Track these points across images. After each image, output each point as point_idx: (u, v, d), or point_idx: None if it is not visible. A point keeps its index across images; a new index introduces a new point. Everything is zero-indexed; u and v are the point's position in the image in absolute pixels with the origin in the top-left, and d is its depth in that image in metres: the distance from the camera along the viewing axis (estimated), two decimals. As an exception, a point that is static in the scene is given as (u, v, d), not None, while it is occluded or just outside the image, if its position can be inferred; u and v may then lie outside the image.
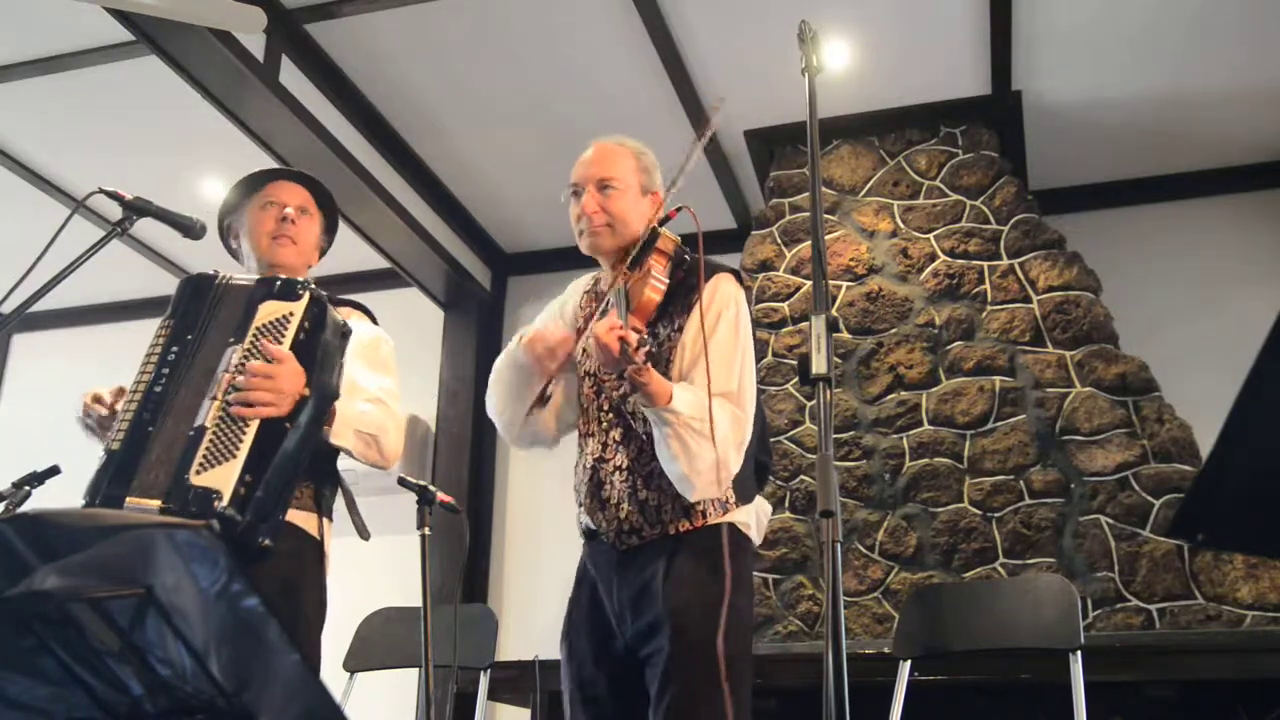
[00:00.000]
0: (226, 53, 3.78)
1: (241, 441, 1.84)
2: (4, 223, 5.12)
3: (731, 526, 2.01)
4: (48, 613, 0.97)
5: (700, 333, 1.99)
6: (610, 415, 2.09)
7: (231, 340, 1.93)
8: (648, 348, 1.95)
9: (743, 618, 1.97)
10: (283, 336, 1.94)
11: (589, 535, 2.14)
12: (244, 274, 2.14)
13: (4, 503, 2.00)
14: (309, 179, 2.38)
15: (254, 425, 1.86)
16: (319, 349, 1.97)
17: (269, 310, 1.96)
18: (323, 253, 2.43)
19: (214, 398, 1.88)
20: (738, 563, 1.98)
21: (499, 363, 2.21)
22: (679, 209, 2.09)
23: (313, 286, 2.01)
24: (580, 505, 2.12)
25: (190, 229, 2.12)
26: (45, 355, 6.19)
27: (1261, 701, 3.32)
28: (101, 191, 2.00)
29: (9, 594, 0.95)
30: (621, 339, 1.85)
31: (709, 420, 1.90)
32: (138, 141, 4.66)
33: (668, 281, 2.04)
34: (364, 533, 2.23)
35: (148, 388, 1.92)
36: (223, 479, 1.79)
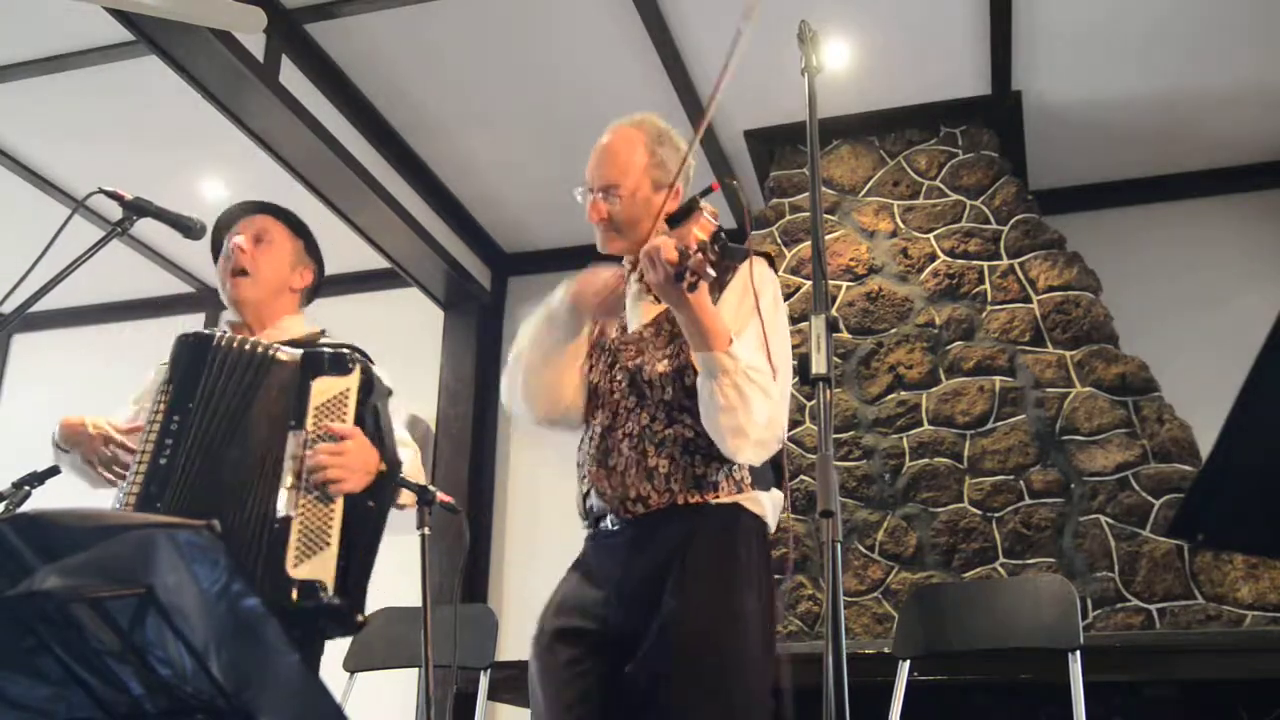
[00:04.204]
0: (226, 53, 3.78)
1: (331, 528, 1.84)
2: (4, 223, 5.12)
3: (753, 517, 1.93)
4: (48, 613, 0.96)
5: (749, 298, 1.89)
6: (624, 385, 2.00)
7: (292, 424, 1.91)
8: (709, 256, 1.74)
9: (763, 621, 1.88)
10: (344, 414, 1.93)
11: (594, 523, 2.03)
12: (278, 342, 2.07)
13: (4, 503, 2.00)
14: (272, 208, 2.30)
15: (339, 510, 1.86)
16: (379, 420, 1.97)
17: (324, 388, 1.94)
18: (313, 286, 2.33)
19: (290, 486, 1.86)
20: (758, 558, 1.90)
21: (526, 335, 2.08)
22: (720, 182, 2.02)
23: (359, 357, 1.99)
24: (585, 478, 2.02)
25: (190, 229, 2.11)
26: (45, 355, 6.19)
27: (1261, 701, 3.32)
28: (101, 191, 2.00)
29: (9, 594, 0.95)
30: (684, 245, 1.68)
31: (769, 373, 1.82)
32: (138, 141, 4.66)
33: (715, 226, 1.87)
34: None
35: (152, 460, 1.89)
36: (323, 569, 1.80)
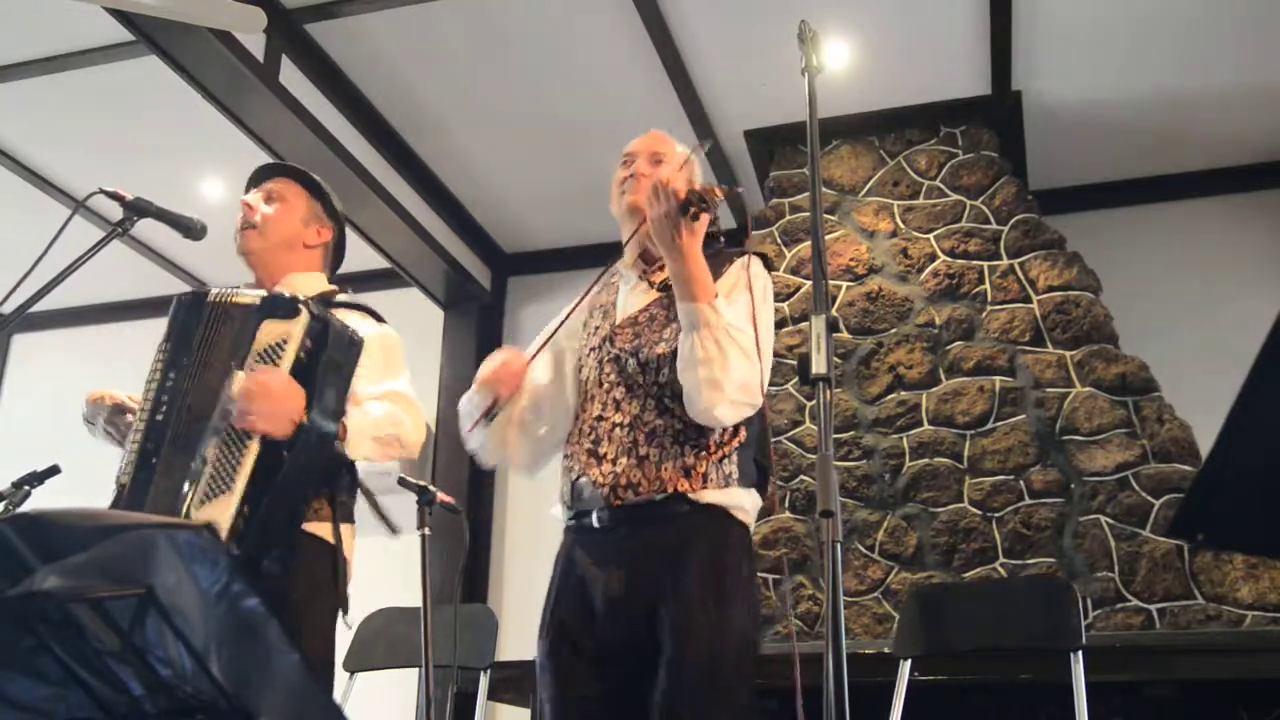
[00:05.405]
0: (226, 53, 3.78)
1: (238, 472, 1.81)
2: (4, 223, 5.12)
3: (740, 527, 1.95)
4: (48, 613, 0.96)
5: (744, 280, 1.94)
6: (613, 376, 2.02)
7: (234, 365, 1.91)
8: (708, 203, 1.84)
9: (751, 631, 1.93)
10: (280, 358, 1.90)
11: (578, 514, 2.07)
12: (244, 289, 2.11)
13: (4, 503, 2.00)
14: (290, 169, 2.36)
15: (251, 454, 1.83)
16: (320, 368, 1.92)
17: (268, 331, 1.93)
18: (334, 245, 2.36)
19: (215, 427, 1.86)
20: (746, 572, 1.94)
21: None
22: (725, 188, 2.08)
23: (310, 303, 1.96)
24: (573, 468, 2.05)
25: (190, 229, 2.12)
26: (45, 355, 6.19)
27: (1261, 701, 3.32)
28: (102, 192, 2.00)
29: (9, 594, 0.95)
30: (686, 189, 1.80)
31: (753, 337, 1.85)
32: (138, 141, 4.66)
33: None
34: (392, 528, 2.21)
35: (149, 417, 1.92)
36: (220, 512, 1.78)
